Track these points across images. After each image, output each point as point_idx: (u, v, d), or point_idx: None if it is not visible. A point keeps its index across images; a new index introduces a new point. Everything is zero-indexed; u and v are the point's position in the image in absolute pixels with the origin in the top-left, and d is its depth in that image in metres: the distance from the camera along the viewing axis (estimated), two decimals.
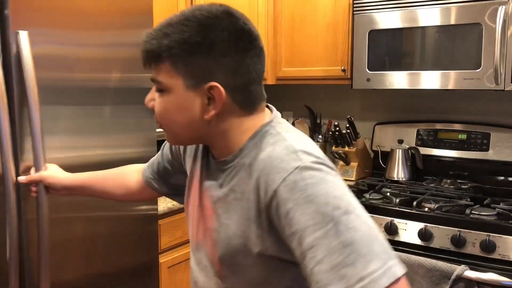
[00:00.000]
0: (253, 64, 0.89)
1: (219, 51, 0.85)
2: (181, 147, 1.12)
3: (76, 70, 1.65)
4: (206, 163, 1.00)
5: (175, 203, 2.05)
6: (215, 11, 0.86)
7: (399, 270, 0.72)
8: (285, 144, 0.85)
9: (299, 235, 0.75)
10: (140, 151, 1.85)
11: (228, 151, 0.93)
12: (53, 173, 1.40)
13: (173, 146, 1.15)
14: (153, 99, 0.91)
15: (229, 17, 0.87)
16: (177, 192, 1.23)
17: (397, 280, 0.70)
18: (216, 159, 0.96)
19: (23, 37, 1.44)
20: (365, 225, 0.74)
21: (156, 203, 1.91)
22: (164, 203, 2.04)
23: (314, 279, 0.72)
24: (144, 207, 1.87)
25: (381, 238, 0.74)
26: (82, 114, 1.67)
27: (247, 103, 0.91)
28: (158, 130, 1.96)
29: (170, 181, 1.23)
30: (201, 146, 1.03)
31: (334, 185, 0.78)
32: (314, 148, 0.85)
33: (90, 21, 1.67)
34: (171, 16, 0.88)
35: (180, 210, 2.08)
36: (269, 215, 0.82)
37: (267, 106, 0.98)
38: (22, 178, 1.40)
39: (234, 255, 0.90)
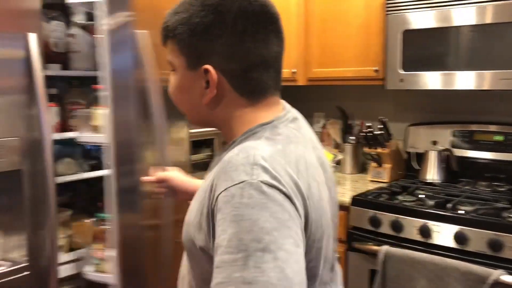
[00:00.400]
0: (256, 48, 0.84)
1: (216, 33, 0.83)
2: None
3: None
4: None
5: None
6: None
7: None
8: (252, 153, 0.77)
9: (215, 249, 0.72)
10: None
11: (230, 141, 0.90)
12: (178, 175, 1.32)
13: None
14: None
15: None
16: None
17: None
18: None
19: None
20: (277, 271, 0.67)
21: None
22: None
23: None
24: None
25: None
26: None
27: (247, 91, 0.87)
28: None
29: None
30: None
31: (270, 216, 0.70)
32: (281, 168, 0.77)
33: None
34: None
35: None
36: (213, 217, 0.77)
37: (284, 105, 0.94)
38: (149, 177, 1.30)
39: (187, 242, 0.87)
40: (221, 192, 0.74)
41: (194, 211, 0.85)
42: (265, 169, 0.74)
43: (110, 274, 1.62)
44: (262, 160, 0.76)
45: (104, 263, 1.73)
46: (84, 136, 1.73)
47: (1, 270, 1.46)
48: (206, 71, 0.84)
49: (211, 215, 0.77)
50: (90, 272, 1.78)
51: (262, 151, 0.78)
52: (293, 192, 0.75)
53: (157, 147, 1.44)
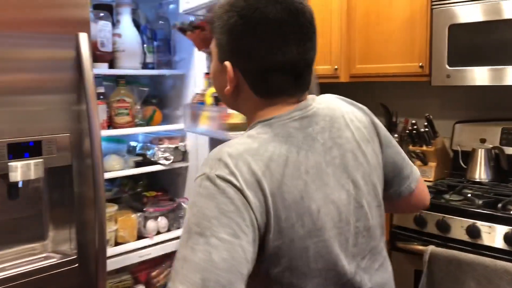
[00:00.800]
0: (273, 54, 0.89)
1: (237, 34, 0.90)
2: None
3: None
4: None
5: None
6: None
7: None
8: (223, 149, 0.87)
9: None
10: None
11: None
12: None
13: None
14: None
15: (267, 1, 0.89)
16: None
17: None
18: None
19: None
20: (205, 254, 0.76)
21: None
22: None
23: None
24: None
25: (208, 276, 0.75)
26: None
27: (262, 90, 0.93)
28: None
29: None
30: None
31: (215, 207, 0.80)
32: (244, 166, 0.84)
33: None
34: None
35: None
36: None
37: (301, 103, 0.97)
38: None
39: None
40: (194, 182, 0.86)
41: None
42: (225, 165, 0.83)
43: None
44: (227, 156, 0.85)
45: None
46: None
47: (52, 262, 1.52)
48: (225, 67, 0.93)
49: None
50: None
51: (232, 148, 0.87)
52: (250, 189, 0.82)
53: None
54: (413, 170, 1.16)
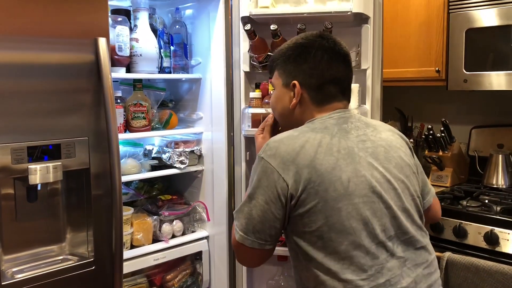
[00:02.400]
0: (328, 70, 1.29)
1: (301, 60, 1.31)
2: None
3: None
4: None
5: None
6: (310, 35, 1.34)
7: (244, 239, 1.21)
8: (272, 139, 1.26)
9: None
10: None
11: None
12: None
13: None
14: None
15: (319, 38, 1.31)
16: None
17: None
18: None
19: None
20: (248, 209, 1.21)
21: None
22: None
23: None
24: None
25: (249, 222, 1.21)
26: None
27: (318, 99, 1.31)
28: None
29: None
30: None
31: (257, 179, 1.21)
32: (283, 149, 1.20)
33: None
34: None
35: None
36: None
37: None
38: None
39: None
40: None
41: None
42: (270, 149, 1.22)
43: None
44: (272, 142, 1.23)
45: None
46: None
47: (69, 264, 1.53)
48: (294, 85, 1.31)
49: None
50: None
51: (278, 136, 1.26)
52: (285, 166, 1.17)
53: None
54: (431, 186, 1.43)
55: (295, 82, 1.30)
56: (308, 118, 1.30)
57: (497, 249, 1.84)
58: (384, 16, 2.52)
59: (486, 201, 2.06)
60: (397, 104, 2.82)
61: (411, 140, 2.73)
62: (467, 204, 2.03)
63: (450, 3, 2.23)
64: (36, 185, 1.45)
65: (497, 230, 1.84)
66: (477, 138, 2.51)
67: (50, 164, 1.42)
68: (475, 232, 1.89)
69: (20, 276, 1.42)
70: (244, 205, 1.21)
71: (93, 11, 1.51)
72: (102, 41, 1.48)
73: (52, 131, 1.45)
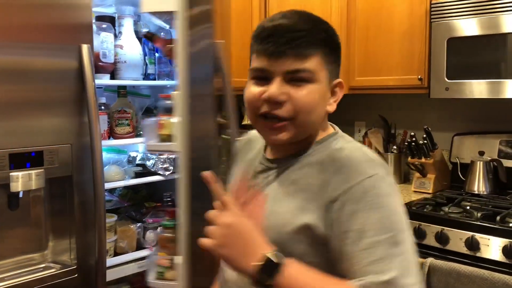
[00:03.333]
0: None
1: (340, 54, 0.99)
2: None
3: None
4: (258, 161, 1.03)
5: None
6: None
7: None
8: (362, 150, 0.91)
9: (359, 234, 0.81)
10: None
11: (301, 147, 0.96)
12: None
13: None
14: (286, 92, 0.89)
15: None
16: None
17: None
18: (274, 157, 1.00)
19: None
20: (411, 244, 0.83)
21: None
22: None
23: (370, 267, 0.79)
24: None
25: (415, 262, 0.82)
26: None
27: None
28: None
29: None
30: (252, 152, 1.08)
31: (399, 202, 0.86)
32: (382, 161, 0.91)
33: None
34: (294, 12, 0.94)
35: None
36: (327, 210, 0.85)
37: None
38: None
39: (285, 242, 0.88)
40: (355, 185, 0.84)
41: (287, 213, 0.90)
42: (381, 165, 0.89)
43: (174, 282, 1.62)
44: (374, 157, 0.90)
45: (169, 270, 1.73)
46: (153, 144, 1.68)
47: (51, 272, 1.52)
48: (340, 84, 0.98)
49: (324, 207, 0.85)
50: (152, 279, 1.76)
51: (365, 149, 0.93)
52: None
53: (229, 157, 1.46)
54: None
55: (341, 80, 0.98)
56: (321, 124, 0.98)
57: (478, 254, 1.86)
58: (368, 24, 2.57)
59: (468, 207, 2.09)
60: (381, 112, 2.85)
61: (394, 147, 2.76)
62: (449, 211, 2.05)
63: (432, 13, 2.26)
64: (18, 192, 1.44)
65: (477, 236, 1.86)
66: (459, 145, 2.54)
67: (33, 172, 1.41)
68: (457, 238, 1.91)
69: (1, 285, 1.40)
70: (395, 252, 0.79)
71: (77, 17, 1.51)
72: (85, 48, 1.48)
73: (35, 138, 1.44)
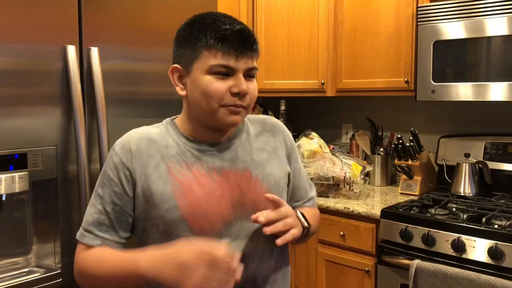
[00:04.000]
0: None
1: None
2: (126, 171, 1.08)
3: (143, 84, 1.71)
4: (194, 148, 1.12)
5: None
6: None
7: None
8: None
9: (300, 168, 1.31)
10: None
11: (236, 128, 1.18)
12: None
13: (120, 178, 1.09)
14: (247, 87, 1.07)
15: None
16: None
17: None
18: (218, 141, 1.14)
19: (94, 53, 1.52)
20: None
21: None
22: None
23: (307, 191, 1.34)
24: None
25: None
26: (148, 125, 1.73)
27: None
28: None
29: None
30: (172, 149, 1.11)
31: None
32: None
33: (157, 37, 1.74)
34: (233, 17, 1.09)
35: None
36: (288, 158, 1.25)
37: None
38: None
39: (282, 192, 1.20)
40: (291, 140, 1.29)
41: (277, 170, 1.20)
42: None
43: None
44: None
45: None
46: None
47: (35, 276, 1.49)
48: None
49: (288, 156, 1.26)
50: None
51: None
52: None
53: (100, 157, 1.49)
54: None
55: None
56: None
57: (464, 256, 1.87)
58: (355, 27, 2.58)
59: (454, 209, 2.11)
60: (368, 114, 2.87)
61: (381, 149, 2.78)
62: (435, 212, 2.07)
63: (419, 16, 2.28)
64: (1, 195, 1.42)
65: (463, 237, 1.88)
66: (445, 147, 2.56)
67: (16, 174, 1.39)
68: (443, 240, 1.92)
69: None
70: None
71: (63, 17, 1.49)
72: (71, 49, 1.46)
73: (19, 140, 1.42)
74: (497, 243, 1.79)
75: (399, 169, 2.56)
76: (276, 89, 2.70)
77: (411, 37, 2.35)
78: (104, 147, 1.51)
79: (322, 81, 2.66)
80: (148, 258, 0.96)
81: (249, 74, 1.07)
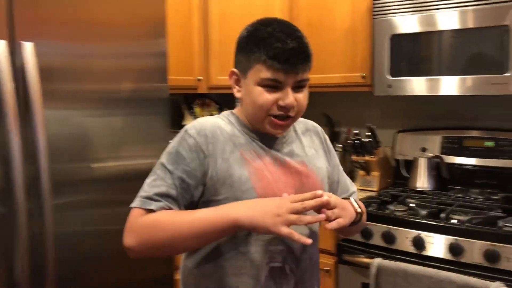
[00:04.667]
0: None
1: None
2: (201, 154, 1.14)
3: (85, 81, 1.59)
4: (257, 139, 1.20)
5: None
6: None
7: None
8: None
9: (339, 164, 1.42)
10: (153, 163, 1.78)
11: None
12: None
13: (193, 159, 1.14)
14: (294, 98, 1.13)
15: None
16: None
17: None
18: (276, 136, 1.22)
19: (27, 48, 1.39)
20: None
21: None
22: None
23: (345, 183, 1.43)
24: None
25: None
26: (92, 125, 1.61)
27: None
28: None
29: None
30: (241, 138, 1.19)
31: None
32: None
33: (99, 32, 1.63)
34: (287, 23, 1.18)
35: None
36: (327, 156, 1.35)
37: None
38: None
39: (329, 186, 1.34)
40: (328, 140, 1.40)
41: (323, 166, 1.30)
42: None
43: None
44: None
45: None
46: None
47: None
48: None
49: (326, 156, 1.35)
50: None
51: None
52: None
53: (36, 158, 1.37)
54: None
55: None
56: None
57: (424, 253, 1.85)
58: (310, 22, 2.52)
59: (413, 205, 2.08)
60: (325, 110, 2.82)
61: (339, 145, 2.74)
62: (395, 209, 2.04)
63: (374, 10, 2.25)
64: None
65: (423, 234, 1.86)
66: (402, 142, 2.55)
67: None
68: (403, 237, 1.90)
69: None
70: None
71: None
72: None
73: None
74: (457, 239, 1.78)
75: (356, 165, 2.52)
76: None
77: (367, 31, 2.32)
78: (41, 152, 1.38)
79: None
80: (239, 207, 1.05)
81: (299, 85, 1.14)
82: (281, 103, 1.12)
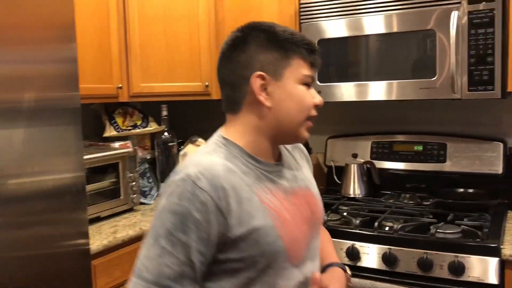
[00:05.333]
0: None
1: None
2: (220, 214, 0.91)
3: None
4: (266, 171, 1.03)
5: (111, 239, 1.81)
6: None
7: None
8: None
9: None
10: (67, 177, 1.60)
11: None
12: None
13: (209, 221, 0.90)
14: None
15: None
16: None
17: None
18: (276, 159, 1.08)
19: None
20: None
21: (87, 236, 1.66)
22: (99, 240, 1.79)
23: None
24: (73, 242, 1.62)
25: None
26: None
27: None
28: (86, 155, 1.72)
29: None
30: (244, 167, 1.00)
31: None
32: None
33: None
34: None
35: (117, 247, 1.83)
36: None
37: None
38: None
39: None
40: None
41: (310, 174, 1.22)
42: None
43: None
44: None
45: None
46: None
47: None
48: None
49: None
50: None
51: None
52: None
53: None
54: None
55: None
56: None
57: (359, 264, 1.80)
58: (235, 26, 2.38)
59: (345, 213, 2.04)
60: None
61: None
62: (328, 218, 1.98)
63: (301, 13, 2.19)
64: None
65: (357, 244, 1.80)
66: (333, 148, 2.51)
67: None
68: (337, 249, 1.83)
69: None
70: None
71: None
72: None
73: None
74: (390, 248, 1.74)
75: None
76: (156, 93, 2.45)
77: None
78: None
79: (206, 84, 2.47)
80: None
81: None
82: (317, 101, 1.02)
